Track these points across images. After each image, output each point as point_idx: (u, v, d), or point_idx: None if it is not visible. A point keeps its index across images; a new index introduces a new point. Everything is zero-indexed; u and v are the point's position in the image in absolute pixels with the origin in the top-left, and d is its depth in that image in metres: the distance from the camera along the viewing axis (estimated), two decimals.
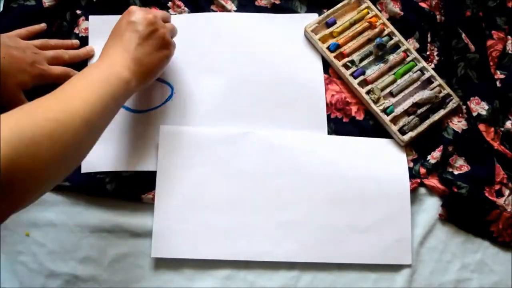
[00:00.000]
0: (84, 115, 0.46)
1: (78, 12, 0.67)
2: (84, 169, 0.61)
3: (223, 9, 0.70)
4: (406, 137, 0.64)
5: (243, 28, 0.68)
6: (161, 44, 0.56)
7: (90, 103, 0.47)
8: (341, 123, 0.66)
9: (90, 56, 0.66)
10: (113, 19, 0.66)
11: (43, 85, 0.58)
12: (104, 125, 0.51)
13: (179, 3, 0.69)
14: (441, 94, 0.67)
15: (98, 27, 0.66)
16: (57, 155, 0.43)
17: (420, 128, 0.65)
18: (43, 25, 0.66)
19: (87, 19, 0.67)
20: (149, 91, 0.64)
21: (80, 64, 0.64)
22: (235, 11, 0.69)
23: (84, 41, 0.66)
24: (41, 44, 0.62)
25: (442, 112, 0.66)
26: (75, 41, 0.66)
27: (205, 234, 0.60)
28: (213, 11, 0.69)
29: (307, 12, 0.70)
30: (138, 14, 0.56)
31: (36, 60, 0.59)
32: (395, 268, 0.61)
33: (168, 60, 0.58)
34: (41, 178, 0.43)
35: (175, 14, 0.69)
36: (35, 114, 0.44)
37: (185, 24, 0.67)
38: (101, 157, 0.61)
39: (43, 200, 0.60)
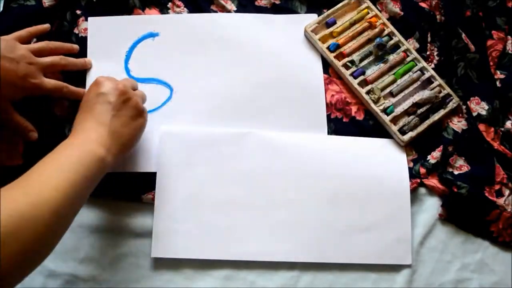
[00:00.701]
0: (54, 206, 0.43)
1: (78, 12, 0.67)
2: None
3: (223, 9, 0.70)
4: (406, 137, 0.64)
5: (243, 29, 0.68)
6: (135, 113, 0.54)
7: (61, 192, 0.44)
8: (341, 123, 0.66)
9: (86, 67, 0.64)
10: (112, 20, 0.67)
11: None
12: (77, 210, 0.48)
13: (179, 3, 0.69)
14: (441, 94, 0.67)
15: (97, 28, 0.66)
16: (24, 253, 0.40)
17: (420, 128, 0.65)
18: (46, 26, 0.64)
19: (86, 19, 0.67)
20: (148, 93, 0.65)
21: (77, 73, 0.64)
22: (235, 11, 0.69)
23: (83, 41, 0.66)
24: (39, 48, 0.60)
25: (442, 112, 0.66)
26: (75, 46, 0.64)
27: (205, 234, 0.60)
28: (213, 11, 0.69)
29: (307, 12, 0.70)
30: (107, 84, 0.54)
31: (28, 73, 0.56)
32: (395, 268, 0.61)
33: (143, 128, 0.56)
34: (8, 277, 0.40)
35: (175, 14, 0.69)
36: (2, 209, 0.40)
37: (185, 25, 0.67)
38: None
39: None
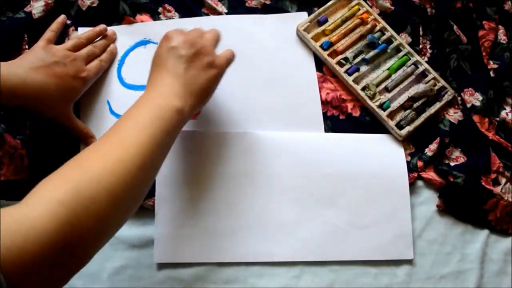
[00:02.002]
0: (138, 160, 0.45)
1: (68, 22, 0.67)
2: None
3: (214, 11, 0.69)
4: (404, 132, 0.64)
5: (235, 31, 0.68)
6: (207, 63, 0.54)
7: (145, 147, 0.46)
8: (337, 121, 0.66)
9: (113, 40, 0.66)
10: None
11: None
12: (160, 162, 0.49)
13: (170, 8, 0.69)
14: (436, 87, 0.67)
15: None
16: (116, 208, 0.42)
17: (417, 122, 0.65)
18: (62, 17, 0.65)
19: (77, 29, 0.67)
20: None
21: None
22: (226, 13, 0.69)
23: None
24: (73, 45, 0.61)
25: (438, 105, 0.66)
26: (103, 26, 0.66)
27: (206, 237, 0.60)
28: (204, 14, 0.69)
29: (298, 11, 0.70)
30: (177, 38, 0.54)
31: (77, 69, 0.59)
32: (396, 262, 0.62)
33: (217, 79, 0.56)
34: (102, 234, 0.42)
35: (166, 19, 0.68)
36: (90, 168, 0.42)
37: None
38: None
39: None
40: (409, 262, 0.62)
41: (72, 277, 0.41)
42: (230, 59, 0.57)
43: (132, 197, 0.45)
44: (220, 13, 0.69)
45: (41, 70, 0.56)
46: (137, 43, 0.67)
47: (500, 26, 0.71)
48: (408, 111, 0.66)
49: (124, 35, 0.67)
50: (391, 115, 0.66)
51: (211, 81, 0.55)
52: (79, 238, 0.39)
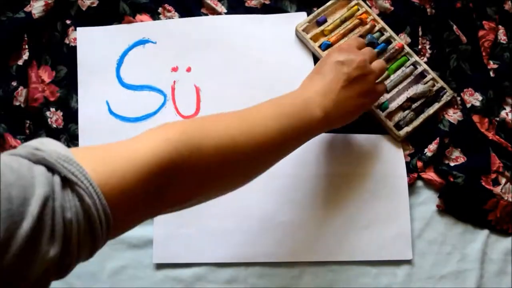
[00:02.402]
0: (261, 140, 0.45)
1: (68, 22, 0.67)
2: None
3: (214, 11, 0.69)
4: (402, 132, 0.64)
5: (234, 30, 0.68)
6: (365, 91, 0.54)
7: (270, 132, 0.46)
8: None
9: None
10: (101, 30, 0.66)
11: None
12: (277, 158, 0.49)
13: (170, 8, 0.69)
14: (435, 88, 0.67)
15: (86, 38, 0.66)
16: (220, 166, 0.43)
17: (415, 123, 0.65)
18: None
19: (76, 29, 0.67)
20: (142, 100, 0.65)
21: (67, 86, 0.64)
22: (226, 13, 0.69)
23: (73, 51, 0.66)
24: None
25: (436, 106, 0.66)
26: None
27: (205, 237, 0.60)
28: (204, 14, 0.69)
29: (297, 11, 0.70)
30: (348, 55, 0.54)
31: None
32: (396, 262, 0.62)
33: (365, 109, 0.56)
34: (201, 184, 0.42)
35: (165, 19, 0.68)
36: (210, 126, 0.43)
37: (176, 29, 0.67)
38: None
39: None
40: (409, 262, 0.62)
41: (163, 213, 0.42)
42: (382, 91, 0.58)
43: (240, 169, 0.45)
44: (219, 13, 0.69)
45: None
46: (135, 42, 0.67)
47: (500, 26, 0.71)
48: (406, 111, 0.66)
49: (123, 34, 0.67)
50: (390, 116, 0.65)
51: (360, 109, 0.55)
52: (177, 176, 0.39)
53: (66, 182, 0.32)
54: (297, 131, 0.49)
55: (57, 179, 0.32)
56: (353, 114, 0.55)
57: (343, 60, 0.53)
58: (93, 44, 0.66)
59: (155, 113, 0.64)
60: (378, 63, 0.57)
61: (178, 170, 0.39)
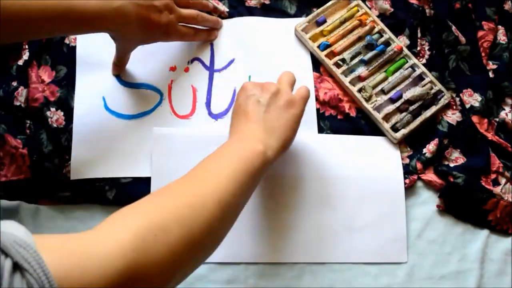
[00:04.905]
0: (216, 196, 0.44)
1: None
2: (73, 176, 0.61)
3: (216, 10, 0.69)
4: (399, 135, 0.64)
5: (233, 32, 0.69)
6: (286, 104, 0.54)
7: (223, 183, 0.45)
8: (335, 120, 0.66)
9: (217, 27, 0.67)
10: None
11: None
12: (241, 204, 0.48)
13: None
14: (433, 91, 0.67)
15: (85, 37, 0.65)
16: (189, 242, 0.41)
17: (412, 125, 0.65)
18: None
19: None
20: (139, 98, 0.65)
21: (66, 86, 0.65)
22: (227, 12, 0.70)
23: (73, 51, 0.66)
24: None
25: (434, 109, 0.66)
26: (210, 4, 0.67)
27: None
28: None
29: (297, 11, 0.70)
30: (253, 86, 0.55)
31: (170, 22, 0.59)
32: (396, 262, 0.61)
33: (298, 118, 0.55)
34: (171, 269, 0.40)
35: None
36: (165, 201, 0.42)
37: None
38: (92, 164, 0.61)
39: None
40: (409, 262, 0.61)
41: None
42: (306, 97, 0.57)
43: (208, 233, 0.43)
44: (222, 12, 0.69)
45: (137, 7, 0.55)
46: None
47: (499, 26, 0.71)
48: (404, 114, 0.66)
49: None
50: (387, 118, 0.65)
51: (292, 121, 0.54)
52: (145, 267, 0.37)
53: (18, 268, 0.30)
54: (249, 171, 0.48)
55: (8, 263, 0.30)
56: (290, 129, 0.54)
57: (251, 93, 0.54)
58: (93, 43, 0.66)
59: (150, 111, 0.64)
60: (283, 75, 0.58)
61: (144, 261, 0.37)
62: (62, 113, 0.63)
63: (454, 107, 0.67)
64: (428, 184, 0.64)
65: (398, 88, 0.67)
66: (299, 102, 0.55)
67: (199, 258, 0.45)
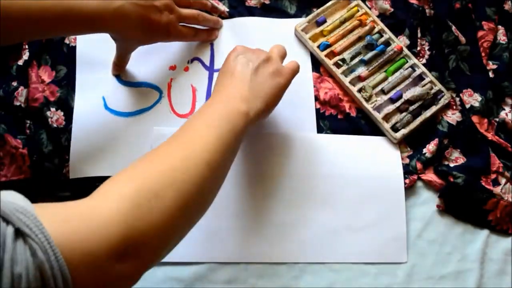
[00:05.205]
0: (206, 157, 0.45)
1: None
2: (72, 175, 0.61)
3: (216, 10, 0.69)
4: (399, 135, 0.64)
5: (233, 32, 0.69)
6: (275, 71, 0.55)
7: (210, 144, 0.46)
8: (335, 120, 0.66)
9: (217, 27, 0.68)
10: None
11: None
12: (228, 164, 0.50)
13: None
14: (433, 91, 0.67)
15: (85, 37, 0.66)
16: (182, 205, 0.42)
17: (412, 125, 0.65)
18: None
19: None
20: (138, 96, 0.65)
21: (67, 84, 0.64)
22: (227, 12, 0.70)
23: (73, 51, 0.66)
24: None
25: (434, 109, 0.66)
26: (209, 4, 0.67)
27: (205, 237, 0.60)
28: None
29: (297, 11, 0.70)
30: (245, 49, 0.56)
31: (171, 23, 0.59)
32: (395, 262, 0.61)
33: (283, 87, 0.56)
34: (167, 232, 0.41)
35: None
36: (155, 166, 0.43)
37: None
38: (91, 162, 0.61)
39: None
40: (409, 262, 0.61)
41: (138, 278, 0.40)
42: (295, 70, 0.58)
43: (199, 194, 0.44)
44: (222, 12, 0.69)
45: (137, 7, 0.55)
46: None
47: (499, 26, 0.71)
48: (404, 114, 0.66)
49: None
50: (387, 118, 0.65)
51: (277, 89, 0.55)
52: (143, 233, 0.38)
53: (20, 235, 0.31)
54: (233, 131, 0.49)
55: (10, 230, 0.30)
56: (274, 95, 0.55)
57: (241, 54, 0.56)
58: (92, 41, 0.66)
59: (149, 108, 0.65)
60: (275, 47, 0.59)
61: (141, 226, 0.38)
62: (62, 113, 0.63)
63: (454, 107, 0.67)
64: (428, 184, 0.64)
65: (398, 88, 0.67)
66: (287, 73, 0.56)
67: (193, 219, 0.46)
